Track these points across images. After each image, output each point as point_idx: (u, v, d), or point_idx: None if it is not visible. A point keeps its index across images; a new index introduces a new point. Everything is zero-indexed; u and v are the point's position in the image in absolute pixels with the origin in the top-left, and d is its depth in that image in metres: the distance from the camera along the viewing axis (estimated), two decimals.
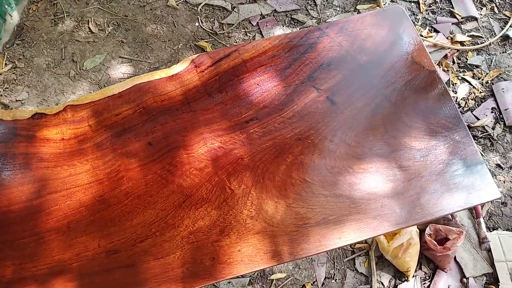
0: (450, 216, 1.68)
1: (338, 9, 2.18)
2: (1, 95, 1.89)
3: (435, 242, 1.58)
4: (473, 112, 1.95)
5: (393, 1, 2.26)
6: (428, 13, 2.23)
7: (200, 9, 2.12)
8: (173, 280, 0.93)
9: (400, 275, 1.61)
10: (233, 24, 2.08)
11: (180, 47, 2.02)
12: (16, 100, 1.87)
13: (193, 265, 0.94)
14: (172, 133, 1.07)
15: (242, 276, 1.61)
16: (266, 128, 1.08)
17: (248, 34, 2.07)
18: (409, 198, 1.01)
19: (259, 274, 1.60)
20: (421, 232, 1.66)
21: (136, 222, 0.98)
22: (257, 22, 2.10)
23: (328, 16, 2.15)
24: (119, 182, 1.02)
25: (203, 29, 2.07)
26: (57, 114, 1.10)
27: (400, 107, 1.11)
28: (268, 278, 1.59)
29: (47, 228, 0.97)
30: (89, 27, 2.05)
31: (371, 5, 2.18)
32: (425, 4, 2.26)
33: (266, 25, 2.09)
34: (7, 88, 1.90)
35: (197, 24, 2.08)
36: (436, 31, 2.15)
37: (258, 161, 1.04)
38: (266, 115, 1.09)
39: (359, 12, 2.17)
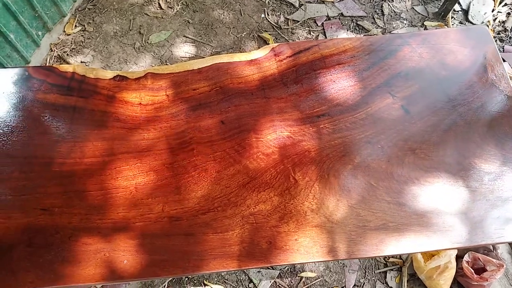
0: (491, 247, 1.65)
1: (405, 22, 2.16)
2: (68, 55, 1.96)
3: (472, 271, 1.55)
4: None
5: (461, 23, 2.22)
6: (496, 41, 2.18)
7: (268, 2, 2.14)
8: (229, 256, 0.95)
9: None
10: (298, 21, 2.10)
11: (243, 35, 2.04)
12: (81, 62, 1.94)
13: (250, 245, 0.96)
14: (245, 116, 1.09)
15: (272, 268, 1.63)
16: (337, 125, 1.08)
17: (311, 33, 2.08)
18: (471, 219, 1.00)
19: (289, 269, 1.61)
20: (458, 258, 1.64)
21: (200, 194, 1.01)
22: (322, 23, 2.10)
23: (394, 28, 2.13)
24: (189, 153, 1.05)
25: (268, 21, 2.09)
26: (138, 79, 1.14)
27: (474, 127, 1.09)
28: (298, 275, 1.60)
29: (115, 185, 1.01)
30: (159, 3, 2.10)
31: (439, 23, 2.15)
32: (493, 30, 2.21)
33: (331, 27, 2.09)
34: (74, 49, 1.97)
35: (263, 15, 2.11)
36: (503, 60, 2.11)
37: (325, 157, 1.05)
38: (338, 112, 1.10)
39: (426, 28, 2.14)
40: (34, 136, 1.06)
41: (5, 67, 1.75)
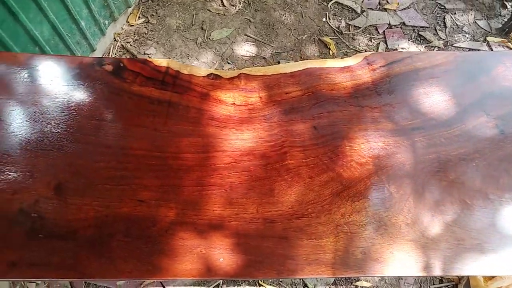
0: None
1: (467, 35, 2.13)
2: (131, 45, 1.98)
3: None
4: None
5: None
6: None
7: (330, 6, 2.13)
8: (323, 263, 0.95)
9: None
10: (360, 28, 2.09)
11: (304, 38, 2.04)
12: (144, 53, 1.96)
13: (344, 254, 0.96)
14: (338, 123, 1.09)
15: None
16: (432, 140, 1.08)
17: (372, 41, 2.07)
18: None
19: (344, 277, 1.61)
20: None
21: (294, 198, 1.01)
22: (384, 31, 2.09)
23: (455, 41, 2.11)
24: (282, 156, 1.05)
25: (330, 25, 2.09)
26: (231, 79, 1.15)
27: None
28: (353, 283, 1.60)
29: (211, 182, 1.02)
30: (221, 0, 2.11)
31: (502, 39, 2.12)
32: None
33: (393, 36, 2.08)
34: (137, 40, 1.99)
35: (324, 19, 2.10)
36: None
37: (419, 171, 1.04)
38: (432, 127, 1.09)
39: (488, 43, 2.12)
40: (130, 127, 1.08)
41: (75, 55, 1.78)
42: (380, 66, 1.16)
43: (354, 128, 1.09)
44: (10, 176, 1.00)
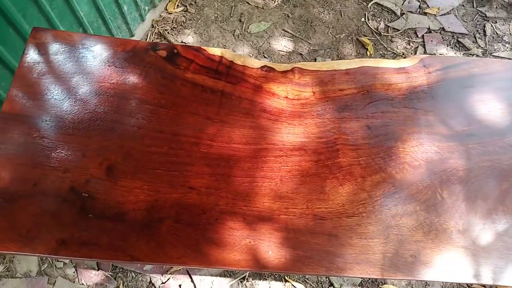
0: None
1: (507, 45, 2.10)
2: (168, 33, 1.98)
3: None
4: None
5: None
6: None
7: (370, 6, 2.11)
8: (372, 264, 0.95)
9: None
10: (399, 30, 2.07)
11: (342, 37, 2.03)
12: (182, 42, 1.96)
13: (394, 256, 0.95)
14: (392, 124, 1.08)
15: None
16: (486, 148, 1.06)
17: (411, 44, 2.04)
18: None
19: (370, 279, 1.60)
20: None
21: (345, 197, 1.00)
22: (423, 35, 2.07)
23: (495, 50, 2.08)
24: (334, 153, 1.04)
25: (368, 26, 2.07)
26: (285, 72, 1.14)
27: None
28: (379, 286, 1.59)
29: (261, 174, 1.02)
30: None
31: None
32: None
33: (431, 41, 2.05)
34: (175, 28, 1.99)
35: (363, 19, 2.08)
36: None
37: (473, 178, 1.03)
38: (487, 135, 1.08)
39: None
40: (182, 114, 1.07)
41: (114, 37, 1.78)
42: (436, 70, 1.14)
43: (408, 130, 1.07)
44: (62, 154, 1.01)
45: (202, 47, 1.15)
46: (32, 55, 1.11)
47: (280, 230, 0.97)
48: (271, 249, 0.95)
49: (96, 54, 1.12)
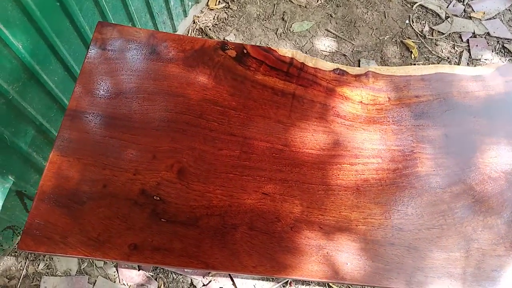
0: None
1: None
2: (210, 29, 1.94)
3: None
4: None
5: None
6: None
7: (414, 8, 2.07)
8: (453, 278, 0.91)
9: None
10: (443, 34, 2.02)
11: (386, 39, 1.98)
12: (224, 39, 1.92)
13: (475, 270, 0.92)
14: (470, 133, 1.04)
15: None
16: None
17: (455, 48, 2.00)
18: None
19: None
20: None
21: (424, 207, 0.97)
22: (468, 39, 2.02)
23: None
24: (412, 162, 1.01)
25: (412, 28, 2.02)
26: (358, 76, 1.10)
27: None
28: None
29: (337, 182, 0.98)
30: None
31: None
32: None
33: (477, 45, 2.00)
34: (217, 24, 1.95)
35: (407, 21, 2.04)
36: None
37: None
38: None
39: None
40: (253, 117, 1.04)
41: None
42: None
43: (486, 140, 1.04)
44: (132, 155, 0.98)
45: (272, 47, 1.12)
46: (98, 51, 1.08)
47: (358, 240, 0.93)
48: (349, 260, 0.92)
49: (164, 51, 1.09)
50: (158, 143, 0.99)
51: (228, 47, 1.11)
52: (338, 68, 1.10)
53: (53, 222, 0.90)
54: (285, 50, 1.11)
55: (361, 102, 1.06)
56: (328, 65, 1.10)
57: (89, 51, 1.08)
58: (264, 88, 1.07)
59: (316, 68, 1.10)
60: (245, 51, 1.11)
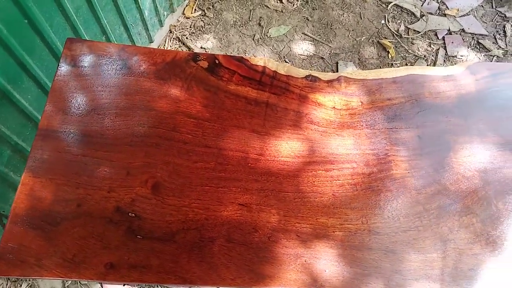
0: None
1: None
2: (187, 38, 1.94)
3: None
4: None
5: None
6: None
7: (389, 8, 2.09)
8: (431, 279, 0.92)
9: None
10: (419, 32, 2.04)
11: (362, 39, 2.00)
12: (201, 47, 1.92)
13: (453, 270, 0.92)
14: (443, 133, 1.05)
15: None
16: None
17: (432, 46, 2.02)
18: None
19: None
20: None
21: (400, 210, 0.97)
22: (443, 37, 2.04)
23: None
24: (386, 165, 1.01)
25: (388, 28, 2.04)
26: (330, 81, 1.10)
27: None
28: None
29: (313, 189, 0.98)
30: None
31: None
32: None
33: (452, 42, 2.03)
34: (194, 33, 1.95)
35: (383, 21, 2.05)
36: None
37: None
38: None
39: None
40: (228, 128, 1.04)
41: (135, 45, 1.74)
42: (484, 77, 1.12)
43: (459, 139, 1.05)
44: (105, 173, 0.97)
45: (244, 56, 1.12)
46: (67, 68, 1.07)
47: (336, 247, 0.94)
48: (327, 267, 0.92)
49: (135, 65, 1.08)
50: (131, 159, 0.99)
51: (200, 58, 1.10)
52: (310, 75, 1.10)
53: (27, 245, 0.89)
54: (257, 58, 1.11)
55: (334, 107, 1.07)
56: (300, 72, 1.10)
57: (59, 68, 1.07)
58: (238, 98, 1.07)
59: (288, 75, 1.10)
60: (217, 62, 1.10)
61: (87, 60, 1.09)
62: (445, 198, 0.99)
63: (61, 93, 1.04)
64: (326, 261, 0.92)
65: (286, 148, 1.02)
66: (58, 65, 1.07)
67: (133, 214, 0.93)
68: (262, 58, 1.12)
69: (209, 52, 1.89)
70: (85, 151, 0.98)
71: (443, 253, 0.94)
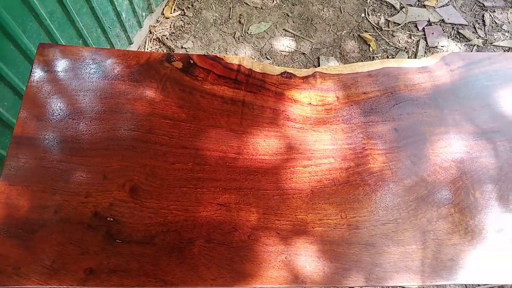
0: None
1: (506, 34, 2.10)
2: (167, 38, 1.92)
3: None
4: None
5: None
6: None
7: (369, 1, 2.09)
8: (412, 271, 0.92)
9: None
10: (399, 24, 2.05)
11: (343, 34, 2.00)
12: (182, 47, 1.91)
13: (433, 261, 0.93)
14: (419, 125, 1.06)
15: None
16: None
17: (412, 38, 2.03)
18: None
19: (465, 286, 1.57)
20: None
21: (378, 203, 0.98)
22: (423, 28, 2.06)
23: (495, 39, 2.08)
24: (364, 159, 1.02)
25: (369, 21, 2.05)
26: (306, 78, 1.10)
27: None
28: None
29: (291, 186, 0.99)
30: None
31: None
32: None
33: (432, 33, 2.04)
34: (174, 33, 1.94)
35: (363, 15, 2.06)
36: None
37: (503, 176, 1.01)
38: None
39: None
40: (204, 128, 1.03)
41: (114, 47, 1.72)
42: (458, 67, 1.13)
43: (435, 131, 1.05)
44: (82, 178, 0.96)
45: (219, 55, 1.11)
46: (40, 73, 1.05)
47: (316, 242, 0.94)
48: (308, 263, 0.92)
49: (109, 69, 1.07)
50: (108, 163, 0.98)
51: (174, 58, 1.10)
52: (285, 72, 1.10)
53: (4, 254, 0.88)
54: (232, 57, 1.11)
55: (310, 103, 1.07)
56: (275, 69, 1.10)
57: (32, 74, 1.05)
58: (214, 97, 1.06)
59: (264, 73, 1.10)
60: (191, 61, 1.10)
61: (60, 65, 1.07)
62: (423, 189, 1.00)
63: (35, 100, 1.03)
64: (306, 257, 0.92)
65: (263, 146, 1.02)
66: (31, 71, 1.06)
67: (111, 219, 0.93)
68: (237, 56, 1.11)
69: (190, 52, 1.88)
70: (61, 157, 0.97)
71: (423, 244, 0.95)
